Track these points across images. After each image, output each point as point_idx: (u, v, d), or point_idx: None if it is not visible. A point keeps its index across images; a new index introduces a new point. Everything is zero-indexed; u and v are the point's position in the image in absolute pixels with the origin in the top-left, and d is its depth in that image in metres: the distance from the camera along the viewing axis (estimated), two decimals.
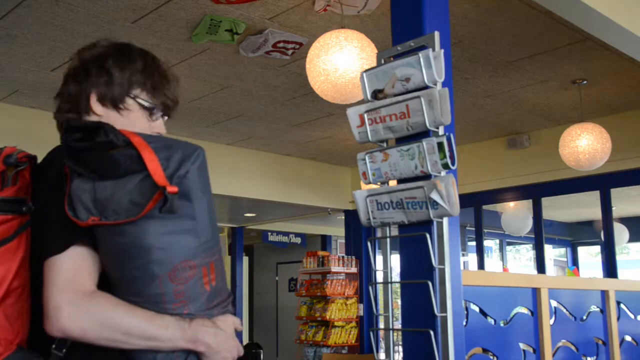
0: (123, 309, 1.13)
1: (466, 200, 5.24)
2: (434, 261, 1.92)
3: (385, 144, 2.10)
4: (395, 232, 2.10)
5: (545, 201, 6.64)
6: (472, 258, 9.62)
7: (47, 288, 1.12)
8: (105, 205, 1.13)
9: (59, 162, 1.21)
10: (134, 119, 1.36)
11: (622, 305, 3.14)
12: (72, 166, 1.16)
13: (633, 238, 9.53)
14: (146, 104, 1.38)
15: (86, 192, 1.15)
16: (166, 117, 1.44)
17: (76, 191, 1.15)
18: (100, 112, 1.34)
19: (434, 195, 1.88)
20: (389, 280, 2.13)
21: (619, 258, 7.26)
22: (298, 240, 10.93)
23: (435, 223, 1.94)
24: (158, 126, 1.41)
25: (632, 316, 3.23)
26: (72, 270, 1.13)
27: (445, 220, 1.93)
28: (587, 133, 4.85)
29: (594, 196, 6.16)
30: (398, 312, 2.11)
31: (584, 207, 9.33)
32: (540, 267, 6.47)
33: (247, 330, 11.68)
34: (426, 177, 1.94)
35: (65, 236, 1.15)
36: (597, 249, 11.78)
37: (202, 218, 1.18)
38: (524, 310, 2.49)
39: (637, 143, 5.56)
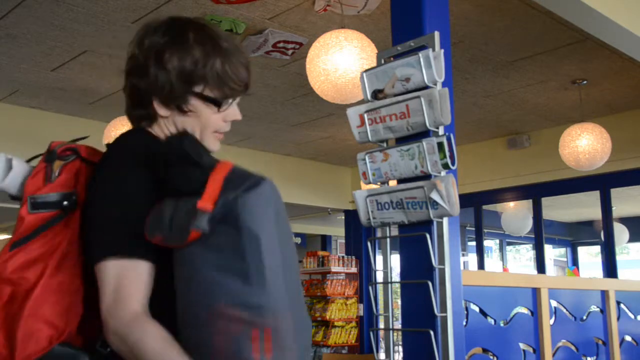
0: (163, 350, 1.01)
1: (466, 200, 5.23)
2: (434, 261, 1.92)
3: (385, 144, 2.10)
4: (395, 232, 2.10)
5: (545, 201, 6.64)
6: (472, 258, 9.62)
7: (100, 292, 1.07)
8: (172, 224, 1.05)
9: (128, 158, 1.15)
10: (203, 118, 1.24)
11: (622, 305, 3.14)
12: (163, 176, 1.10)
13: (633, 238, 9.53)
14: (214, 97, 1.24)
15: (167, 206, 1.06)
16: (237, 99, 1.28)
17: (161, 204, 1.08)
18: (165, 114, 1.23)
19: (434, 195, 1.88)
20: (389, 280, 2.13)
21: (619, 258, 7.26)
22: (298, 240, 10.93)
23: (435, 223, 1.94)
24: (231, 114, 1.27)
25: (632, 316, 3.23)
26: (127, 283, 1.06)
27: (445, 220, 1.93)
28: (587, 133, 4.85)
29: (594, 196, 6.16)
30: (398, 312, 2.11)
31: (584, 207, 9.33)
32: (540, 267, 6.47)
33: None
34: (426, 177, 1.95)
35: (133, 244, 1.08)
36: (597, 249, 11.78)
37: (256, 261, 1.00)
38: (524, 310, 2.49)
39: (637, 143, 5.56)
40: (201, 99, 1.23)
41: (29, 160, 1.25)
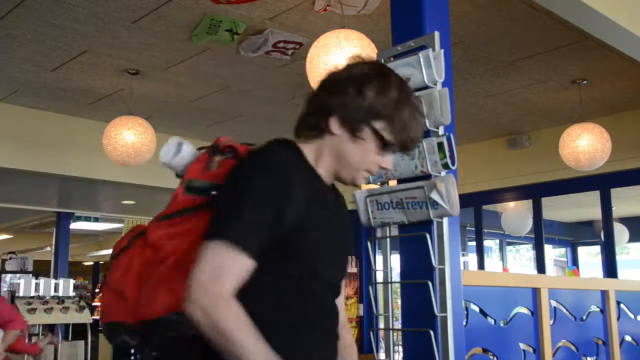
0: (241, 330, 1.17)
1: (466, 200, 5.21)
2: (434, 261, 1.92)
3: None
4: (395, 232, 2.10)
5: (545, 201, 6.63)
6: (472, 258, 9.61)
7: (197, 266, 1.20)
8: None
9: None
10: (365, 150, 1.35)
11: (622, 305, 3.14)
12: None
13: (633, 238, 9.52)
14: (386, 139, 1.34)
15: None
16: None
17: None
18: (336, 132, 1.35)
19: (434, 195, 1.88)
20: (389, 280, 2.13)
21: (619, 258, 7.25)
22: None
23: (435, 223, 1.94)
24: (386, 162, 1.39)
25: (632, 316, 3.23)
26: (228, 265, 1.19)
27: (445, 220, 1.93)
28: (587, 133, 4.85)
29: (594, 196, 6.16)
30: (398, 312, 2.11)
31: (584, 207, 9.32)
32: (540, 267, 6.46)
33: None
34: (426, 177, 1.94)
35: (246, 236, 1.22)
36: (597, 249, 11.77)
37: None
38: (524, 310, 2.49)
39: (637, 143, 5.56)
40: (375, 135, 1.34)
41: (200, 149, 1.40)
